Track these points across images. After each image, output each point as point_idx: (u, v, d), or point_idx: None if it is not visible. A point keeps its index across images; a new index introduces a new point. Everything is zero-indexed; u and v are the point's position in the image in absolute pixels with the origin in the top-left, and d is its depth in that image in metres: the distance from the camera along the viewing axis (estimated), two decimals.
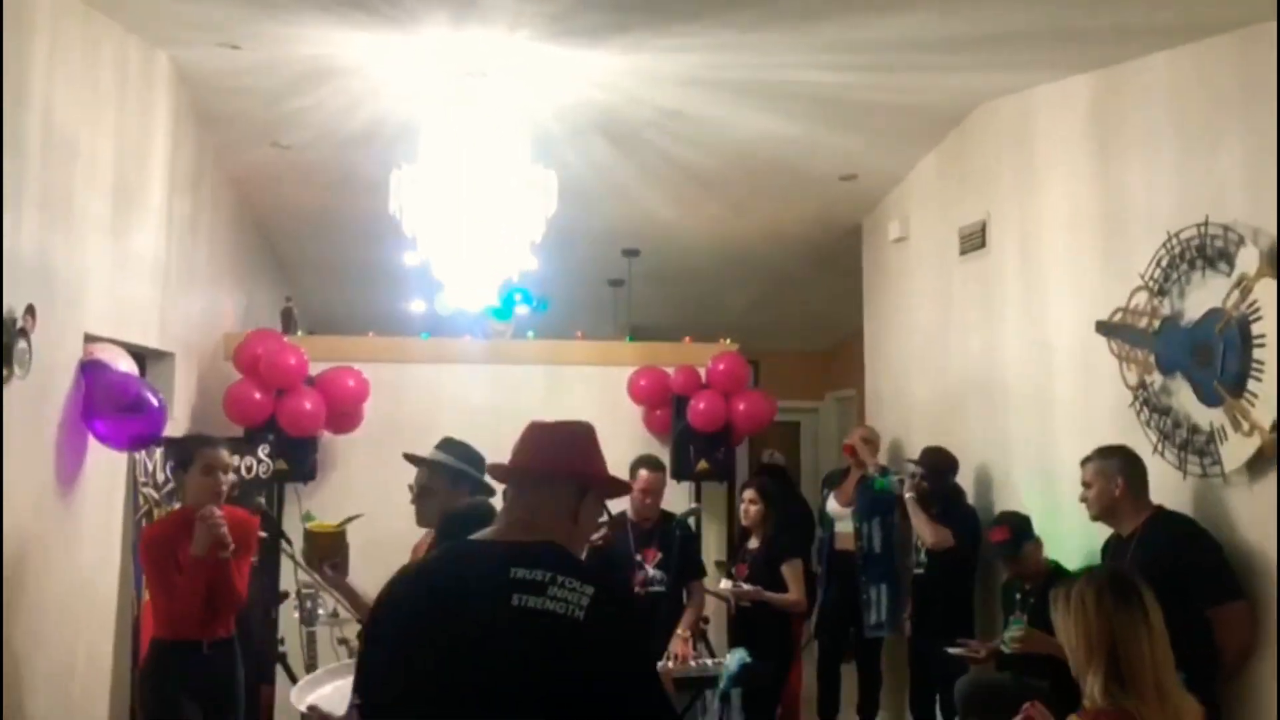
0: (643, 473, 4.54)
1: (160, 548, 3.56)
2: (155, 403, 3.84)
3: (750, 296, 8.59)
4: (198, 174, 5.24)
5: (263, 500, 4.79)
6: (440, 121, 4.30)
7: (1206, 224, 3.27)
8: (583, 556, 1.87)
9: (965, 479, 4.94)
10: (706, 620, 5.10)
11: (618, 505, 4.59)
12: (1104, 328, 3.82)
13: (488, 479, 2.95)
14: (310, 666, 4.40)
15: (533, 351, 6.41)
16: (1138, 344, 3.64)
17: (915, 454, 5.05)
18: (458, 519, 2.47)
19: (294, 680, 3.97)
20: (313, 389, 5.44)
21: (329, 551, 3.32)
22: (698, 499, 6.08)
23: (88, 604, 4.03)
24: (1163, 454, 3.45)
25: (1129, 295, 3.67)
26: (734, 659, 4.05)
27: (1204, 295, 3.31)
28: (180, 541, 3.52)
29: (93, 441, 3.85)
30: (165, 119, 4.60)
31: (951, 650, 4.14)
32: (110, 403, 3.75)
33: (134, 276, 4.34)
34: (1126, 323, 3.71)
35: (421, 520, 3.16)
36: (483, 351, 6.33)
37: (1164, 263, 3.50)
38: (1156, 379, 3.54)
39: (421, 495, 3.17)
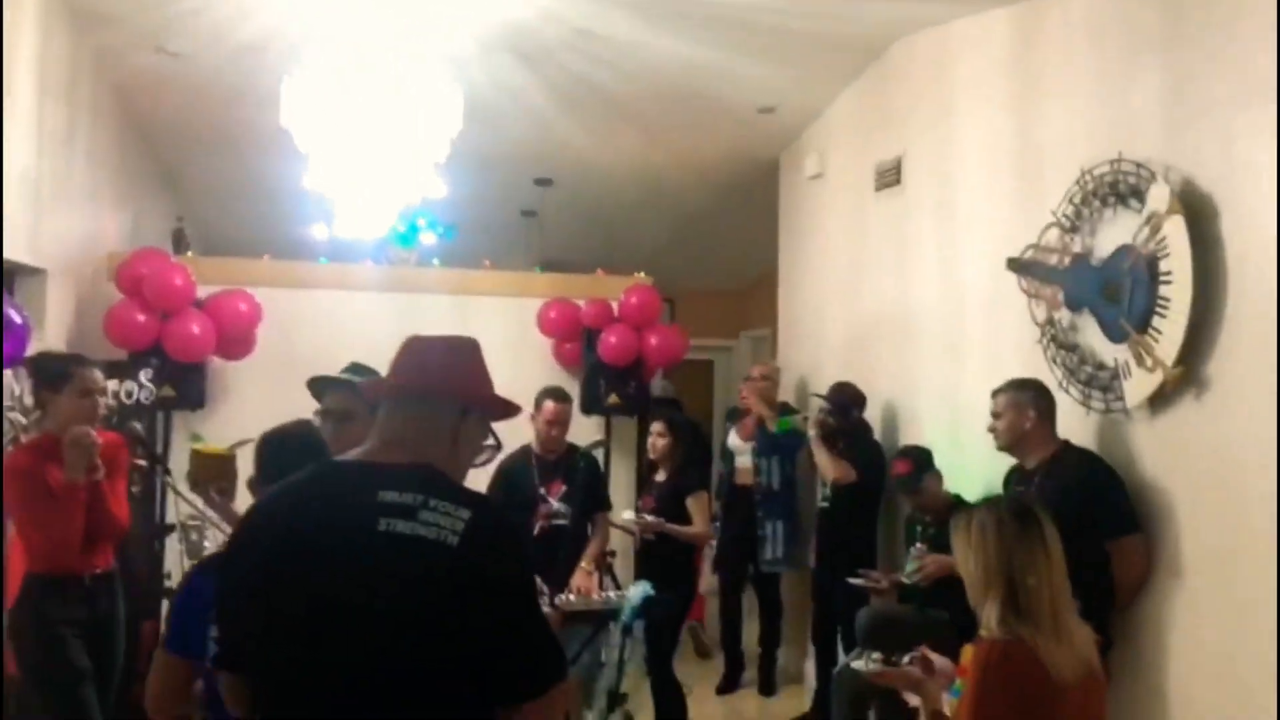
0: (548, 404, 4.42)
1: (27, 477, 3.31)
2: (18, 320, 3.55)
3: (667, 231, 8.46)
4: (73, 78, 4.86)
5: (138, 425, 4.54)
6: (335, 28, 4.04)
7: (1120, 160, 3.24)
8: (464, 482, 1.73)
9: (873, 415, 4.95)
10: (613, 553, 5.06)
11: (525, 437, 4.49)
12: (1015, 264, 3.80)
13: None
14: None
15: (438, 280, 6.20)
16: (1048, 280, 3.63)
17: (824, 391, 5.02)
18: (279, 441, 2.30)
19: None
20: (201, 312, 5.17)
21: (216, 473, 3.16)
22: (608, 433, 6.00)
23: None
24: (1067, 390, 3.46)
25: (1041, 232, 3.64)
26: (637, 591, 3.98)
27: (1115, 232, 3.29)
28: (48, 468, 3.29)
29: None
30: (32, 10, 4.22)
31: (853, 581, 4.17)
32: None
33: None
34: (1037, 259, 3.69)
35: (336, 447, 2.93)
36: (385, 278, 6.11)
37: (1076, 199, 3.47)
38: (1064, 316, 3.54)
39: (343, 420, 2.85)
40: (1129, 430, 3.22)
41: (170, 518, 4.75)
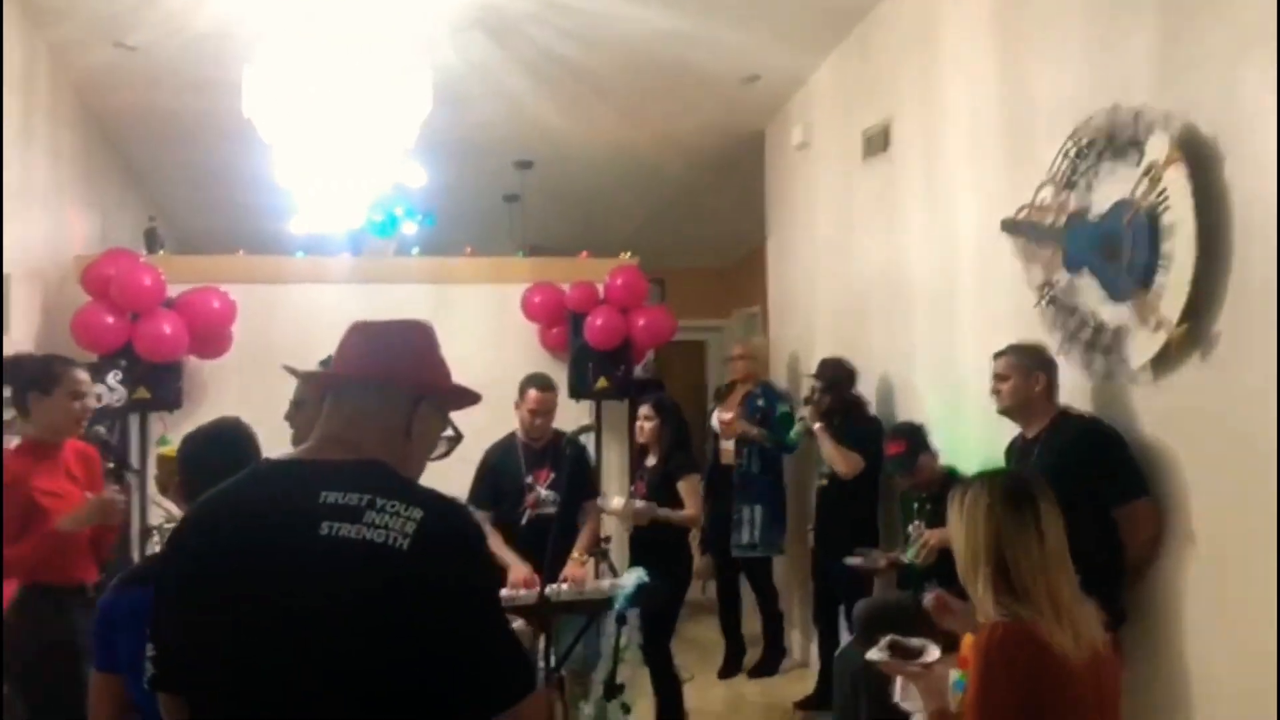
0: (531, 392, 4.28)
1: (12, 487, 3.13)
2: None
3: (653, 210, 8.29)
4: (29, 75, 4.69)
5: (102, 429, 4.40)
6: (298, 11, 3.88)
7: (1115, 111, 3.09)
8: (419, 479, 1.59)
9: (868, 388, 4.81)
10: (608, 539, 4.93)
11: (511, 424, 4.36)
12: (1009, 226, 3.66)
13: None
14: None
15: (417, 269, 6.07)
16: (1044, 241, 3.48)
17: (815, 367, 4.89)
18: (201, 441, 2.15)
19: None
20: (172, 311, 5.02)
21: None
22: (598, 418, 5.87)
23: None
24: (1067, 354, 3.32)
25: (1035, 191, 3.49)
26: (631, 578, 3.86)
27: (1112, 187, 3.13)
28: (37, 476, 3.16)
29: None
30: None
31: (850, 561, 4.05)
32: None
33: None
34: (1032, 219, 3.54)
35: (298, 438, 2.81)
36: (362, 270, 5.96)
37: (1071, 154, 3.32)
38: (1063, 277, 3.39)
39: (296, 409, 2.78)
40: (1132, 392, 3.07)
41: (153, 521, 4.66)
